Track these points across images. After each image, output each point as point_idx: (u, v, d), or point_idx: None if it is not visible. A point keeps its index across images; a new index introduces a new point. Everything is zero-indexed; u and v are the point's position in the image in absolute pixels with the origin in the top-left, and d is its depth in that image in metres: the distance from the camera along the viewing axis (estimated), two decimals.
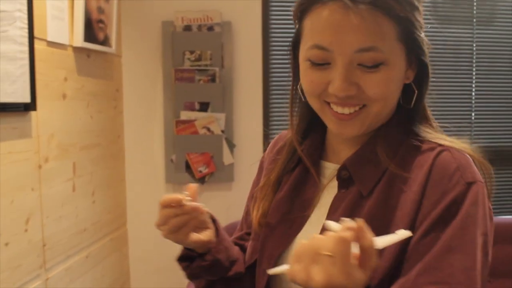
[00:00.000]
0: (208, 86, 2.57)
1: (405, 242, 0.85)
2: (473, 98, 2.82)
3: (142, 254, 2.68)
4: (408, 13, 0.87)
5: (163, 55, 2.58)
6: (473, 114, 2.83)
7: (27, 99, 1.62)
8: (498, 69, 2.81)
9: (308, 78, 0.92)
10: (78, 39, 1.97)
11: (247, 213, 1.15)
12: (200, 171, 2.61)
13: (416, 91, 0.95)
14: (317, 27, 0.87)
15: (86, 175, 2.15)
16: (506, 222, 2.60)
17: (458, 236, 0.84)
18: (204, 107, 2.59)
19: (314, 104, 0.95)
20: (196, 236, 0.99)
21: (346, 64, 0.87)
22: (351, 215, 0.88)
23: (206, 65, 2.57)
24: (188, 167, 2.61)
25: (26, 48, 1.60)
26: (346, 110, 0.90)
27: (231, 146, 2.62)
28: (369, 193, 0.92)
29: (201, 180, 2.61)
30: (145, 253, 2.68)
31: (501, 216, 2.77)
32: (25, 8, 1.59)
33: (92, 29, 2.08)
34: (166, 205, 0.94)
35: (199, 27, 2.55)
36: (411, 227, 0.86)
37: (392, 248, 0.85)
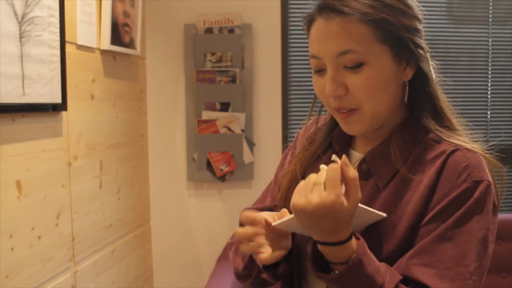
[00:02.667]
0: (229, 87, 2.64)
1: (411, 230, 0.97)
2: (489, 97, 2.85)
3: (165, 250, 2.77)
4: (386, 15, 0.96)
5: (185, 57, 2.65)
6: (489, 113, 2.86)
7: (58, 100, 1.71)
8: None
9: (314, 84, 1.04)
10: (105, 42, 2.06)
11: (273, 188, 1.22)
12: (221, 170, 2.68)
13: (408, 87, 1.02)
14: (311, 40, 1.01)
15: (112, 173, 2.24)
16: None
17: (456, 227, 0.94)
18: (224, 107, 2.66)
19: (326, 106, 1.06)
20: (277, 254, 1.03)
21: (333, 67, 0.98)
22: (368, 205, 0.96)
23: (227, 66, 2.64)
24: (209, 166, 2.69)
25: (58, 52, 1.69)
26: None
27: (251, 145, 2.69)
28: (385, 186, 1.01)
29: (222, 178, 2.69)
30: (167, 250, 2.76)
31: None
32: (57, 13, 1.68)
33: (118, 32, 2.16)
34: (250, 223, 1.02)
35: (220, 30, 2.63)
36: (421, 219, 0.97)
37: (397, 235, 0.97)
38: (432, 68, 1.03)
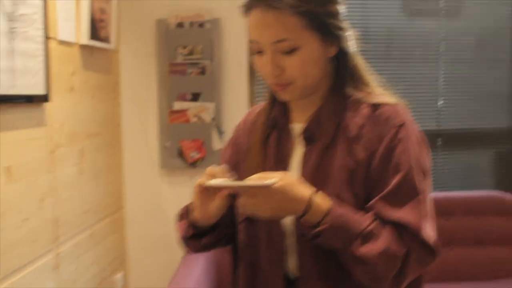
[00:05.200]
0: (199, 78, 2.79)
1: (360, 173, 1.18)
2: (441, 85, 3.07)
3: (139, 234, 2.90)
4: (312, 6, 1.13)
5: (158, 50, 2.78)
6: (440, 100, 3.08)
7: (43, 91, 1.83)
8: (463, 58, 3.07)
9: (256, 63, 1.21)
10: (84, 37, 2.18)
11: None
12: (192, 156, 2.83)
13: (335, 61, 1.22)
14: (250, 26, 1.18)
15: (91, 161, 2.36)
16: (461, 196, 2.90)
17: (396, 170, 1.15)
18: (195, 97, 2.81)
19: (265, 81, 1.24)
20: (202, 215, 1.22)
21: (271, 52, 1.16)
22: (321, 164, 1.19)
23: (198, 59, 2.78)
24: (181, 154, 2.83)
25: (42, 46, 1.81)
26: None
27: (220, 132, 2.84)
28: (330, 144, 1.20)
29: (193, 164, 2.84)
30: (142, 234, 2.90)
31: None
32: (41, 11, 1.80)
33: (95, 28, 2.29)
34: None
35: (191, 24, 2.76)
36: (368, 166, 1.17)
37: (338, 184, 1.17)
38: (351, 43, 1.22)
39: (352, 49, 1.23)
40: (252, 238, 1.26)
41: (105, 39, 2.41)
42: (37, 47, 1.78)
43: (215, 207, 1.17)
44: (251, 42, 1.19)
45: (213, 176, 1.15)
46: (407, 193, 1.14)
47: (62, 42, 2.04)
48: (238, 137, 1.39)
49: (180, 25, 2.76)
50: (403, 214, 1.12)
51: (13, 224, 1.73)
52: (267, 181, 1.08)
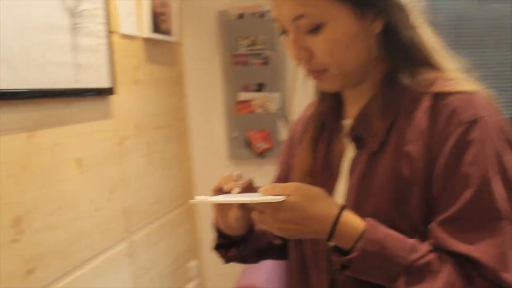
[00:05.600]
0: (262, 69, 2.78)
1: (406, 186, 0.89)
2: None
3: (210, 225, 2.93)
4: None
5: (220, 42, 2.80)
6: None
7: (107, 85, 1.88)
8: None
9: (286, 45, 0.99)
10: (146, 31, 2.23)
11: (278, 178, 1.21)
12: (259, 147, 2.83)
13: (384, 38, 0.94)
14: (269, 1, 0.98)
15: (159, 152, 2.41)
16: None
17: (466, 179, 0.85)
18: (259, 88, 2.81)
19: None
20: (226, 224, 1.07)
21: (293, 31, 0.93)
22: (369, 173, 0.93)
23: (259, 49, 2.78)
24: (248, 144, 2.84)
25: (104, 41, 1.86)
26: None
27: (287, 122, 2.83)
28: (380, 148, 0.93)
29: (261, 155, 2.84)
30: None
31: None
32: (102, 6, 1.85)
33: (157, 21, 2.33)
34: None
35: (252, 15, 2.76)
36: (429, 176, 0.88)
37: (382, 194, 0.91)
38: (406, 13, 0.94)
39: (408, 22, 0.94)
40: (299, 256, 1.06)
41: (167, 32, 2.46)
42: (100, 41, 1.83)
43: (233, 217, 1.03)
44: (273, 20, 0.97)
45: (226, 181, 1.01)
46: (482, 215, 0.84)
47: (125, 36, 2.09)
48: (294, 132, 1.18)
49: (241, 16, 2.77)
50: (473, 247, 0.83)
51: (86, 213, 1.79)
52: (269, 197, 0.87)
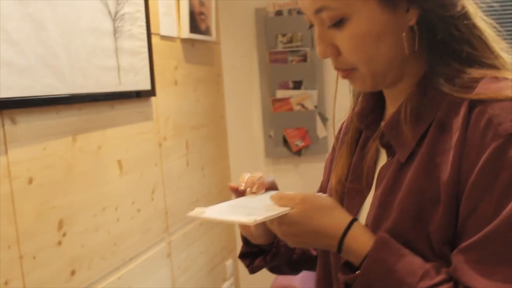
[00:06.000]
0: (300, 66, 2.76)
1: (422, 204, 0.80)
2: None
3: None
4: None
5: (258, 40, 2.79)
6: None
7: (148, 86, 1.89)
8: None
9: None
10: (185, 31, 2.23)
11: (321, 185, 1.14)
12: (297, 145, 2.81)
13: (418, 33, 0.83)
14: None
15: (196, 152, 2.42)
16: None
17: (498, 206, 0.73)
18: (297, 85, 2.79)
19: None
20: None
21: (318, 26, 0.84)
22: (394, 186, 0.84)
23: (298, 46, 2.76)
24: (285, 142, 2.83)
25: (145, 43, 1.87)
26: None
27: (324, 120, 2.80)
28: (409, 159, 0.83)
29: (298, 153, 2.82)
30: None
31: None
32: (142, 8, 1.86)
33: (195, 21, 2.33)
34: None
35: (289, 11, 2.74)
36: (456, 194, 0.77)
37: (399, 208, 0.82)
38: (452, 2, 0.82)
39: (451, 12, 0.81)
40: (325, 265, 0.99)
41: (206, 32, 2.46)
42: (141, 44, 1.84)
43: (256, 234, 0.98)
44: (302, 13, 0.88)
45: (247, 184, 0.95)
46: (510, 249, 0.72)
47: (164, 37, 2.10)
48: (339, 132, 1.08)
49: (278, 13, 2.75)
50: (492, 284, 0.72)
51: (127, 215, 1.81)
52: (268, 214, 0.82)
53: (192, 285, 2.32)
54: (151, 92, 1.92)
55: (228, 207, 0.92)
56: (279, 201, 0.85)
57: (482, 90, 0.78)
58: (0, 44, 1.25)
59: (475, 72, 0.81)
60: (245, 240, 1.06)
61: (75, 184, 1.54)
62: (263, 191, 0.95)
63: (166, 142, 2.11)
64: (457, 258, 0.75)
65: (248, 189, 0.95)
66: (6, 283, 1.30)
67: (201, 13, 2.40)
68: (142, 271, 1.90)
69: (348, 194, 0.93)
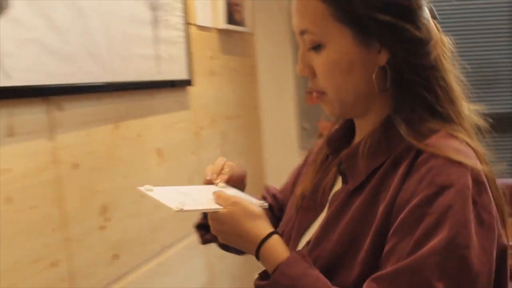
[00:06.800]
0: None
1: (353, 232, 0.84)
2: None
3: None
4: None
5: (292, 31, 2.79)
6: None
7: (186, 76, 1.92)
8: None
9: None
10: (221, 22, 2.25)
11: (286, 184, 1.22)
12: None
13: (390, 73, 0.86)
14: None
15: (231, 143, 2.44)
16: None
17: (415, 248, 0.76)
18: None
19: None
20: None
21: (302, 46, 0.89)
22: (341, 211, 0.88)
23: None
24: (319, 134, 2.82)
25: (182, 33, 1.90)
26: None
27: None
28: (358, 189, 0.87)
29: None
30: None
31: None
32: None
33: (231, 12, 2.35)
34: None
35: None
36: (386, 229, 0.81)
37: (335, 236, 0.86)
38: (424, 52, 0.85)
39: (420, 61, 0.85)
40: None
41: (241, 23, 2.48)
42: (179, 33, 1.87)
43: None
44: None
45: (211, 173, 1.05)
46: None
47: (201, 28, 2.12)
48: (315, 147, 1.13)
49: None
50: None
51: None
52: (209, 206, 0.91)
53: (228, 273, 2.35)
54: (189, 82, 1.95)
55: (174, 191, 0.99)
56: (217, 198, 0.93)
57: (432, 142, 0.82)
58: (47, 32, 1.29)
59: (434, 123, 0.85)
60: (204, 213, 1.13)
61: (116, 170, 1.58)
62: (224, 184, 1.03)
63: (203, 131, 2.13)
64: (367, 285, 0.78)
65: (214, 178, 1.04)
66: (53, 264, 1.34)
67: (236, 4, 2.42)
68: (180, 258, 1.93)
69: (303, 209, 0.98)
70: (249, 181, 1.21)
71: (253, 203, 0.96)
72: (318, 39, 0.86)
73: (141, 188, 0.98)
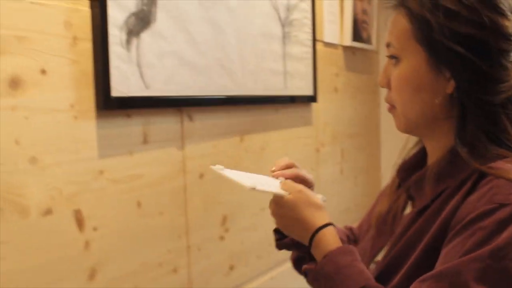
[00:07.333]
0: None
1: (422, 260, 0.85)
2: None
3: None
4: (427, 14, 0.85)
5: None
6: None
7: (310, 92, 1.92)
8: None
9: None
10: (347, 39, 2.23)
11: (362, 221, 1.21)
12: None
13: (456, 102, 0.86)
14: None
15: (351, 161, 2.40)
16: None
17: (464, 254, 0.78)
18: None
19: None
20: None
21: (387, 58, 0.93)
22: (405, 232, 0.90)
23: None
24: None
25: (310, 49, 1.90)
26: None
27: None
28: (423, 211, 0.89)
29: None
30: None
31: None
32: (309, 15, 1.88)
33: (357, 29, 2.32)
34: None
35: None
36: (436, 243, 0.84)
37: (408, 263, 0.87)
38: (493, 87, 0.85)
39: (487, 96, 0.84)
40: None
41: (367, 40, 2.44)
42: (306, 50, 1.87)
43: None
44: None
45: (276, 167, 1.05)
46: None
47: (327, 44, 2.11)
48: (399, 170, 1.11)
49: None
50: None
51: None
52: (277, 190, 0.96)
53: None
54: (313, 98, 1.94)
55: (244, 175, 1.04)
56: (284, 185, 0.98)
57: (496, 165, 0.82)
58: (185, 45, 1.34)
59: (499, 150, 0.85)
60: None
61: None
62: (283, 179, 1.03)
63: (323, 148, 2.12)
64: (414, 286, 0.80)
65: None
66: (174, 270, 1.38)
67: (364, 22, 2.38)
68: (292, 274, 1.91)
69: (378, 229, 1.01)
70: (367, 200, 1.19)
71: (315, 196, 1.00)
72: (397, 53, 0.90)
73: (214, 168, 1.03)
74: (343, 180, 2.33)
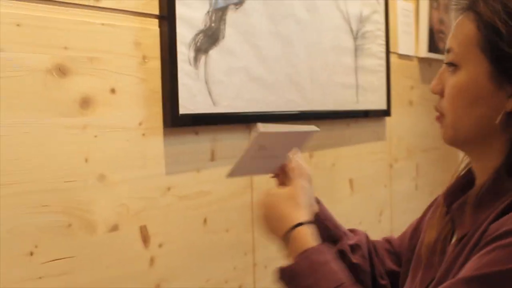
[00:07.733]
0: None
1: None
2: None
3: None
4: (497, 21, 0.78)
5: None
6: None
7: (384, 106, 1.86)
8: None
9: None
10: (423, 50, 2.16)
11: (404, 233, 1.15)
12: None
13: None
14: None
15: (426, 176, 2.32)
16: None
17: (481, 269, 0.74)
18: None
19: None
20: None
21: (444, 63, 0.86)
22: (451, 266, 0.83)
23: None
24: None
25: (383, 62, 1.84)
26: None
27: None
28: (464, 238, 0.83)
29: None
30: None
31: None
32: (383, 27, 1.83)
33: (434, 40, 2.24)
34: None
35: None
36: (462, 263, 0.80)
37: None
38: None
39: None
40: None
41: (444, 51, 2.35)
42: (379, 62, 1.82)
43: None
44: None
45: None
46: None
47: (402, 56, 2.05)
48: (434, 201, 1.08)
49: None
50: None
51: None
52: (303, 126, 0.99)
53: None
54: (386, 112, 1.89)
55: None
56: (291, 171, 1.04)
57: None
58: (254, 61, 1.32)
59: None
60: None
61: None
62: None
63: (397, 163, 2.05)
64: None
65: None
66: (240, 287, 1.37)
67: (440, 32, 2.30)
68: None
69: (428, 260, 0.94)
70: None
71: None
72: (457, 60, 0.82)
73: (261, 129, 1.03)
74: (418, 196, 2.25)
